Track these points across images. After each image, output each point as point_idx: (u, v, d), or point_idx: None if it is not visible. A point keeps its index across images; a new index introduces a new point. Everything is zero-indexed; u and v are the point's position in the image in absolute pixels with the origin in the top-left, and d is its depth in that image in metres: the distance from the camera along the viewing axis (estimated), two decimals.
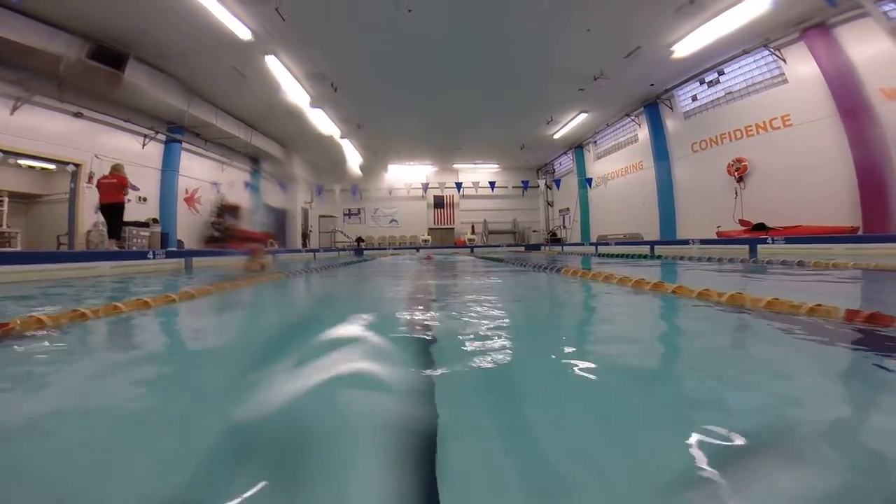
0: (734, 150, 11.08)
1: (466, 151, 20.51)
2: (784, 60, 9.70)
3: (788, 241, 8.89)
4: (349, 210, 24.04)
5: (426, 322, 2.18)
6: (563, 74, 11.75)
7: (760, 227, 10.08)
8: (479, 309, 2.57)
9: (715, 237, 11.05)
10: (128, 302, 2.93)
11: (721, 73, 11.34)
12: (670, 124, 13.38)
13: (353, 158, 19.73)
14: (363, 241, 22.36)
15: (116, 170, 8.94)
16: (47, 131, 9.34)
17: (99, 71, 8.75)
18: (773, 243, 9.11)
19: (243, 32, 8.71)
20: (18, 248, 8.13)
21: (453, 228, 24.29)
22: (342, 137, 16.70)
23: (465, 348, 1.62)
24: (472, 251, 19.23)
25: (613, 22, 9.10)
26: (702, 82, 11.97)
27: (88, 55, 8.48)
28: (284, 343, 1.96)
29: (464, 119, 15.51)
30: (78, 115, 9.79)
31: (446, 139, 18.17)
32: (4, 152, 8.47)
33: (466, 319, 2.22)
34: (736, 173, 10.88)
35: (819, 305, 2.11)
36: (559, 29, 9.37)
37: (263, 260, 7.12)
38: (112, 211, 8.74)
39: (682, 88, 12.64)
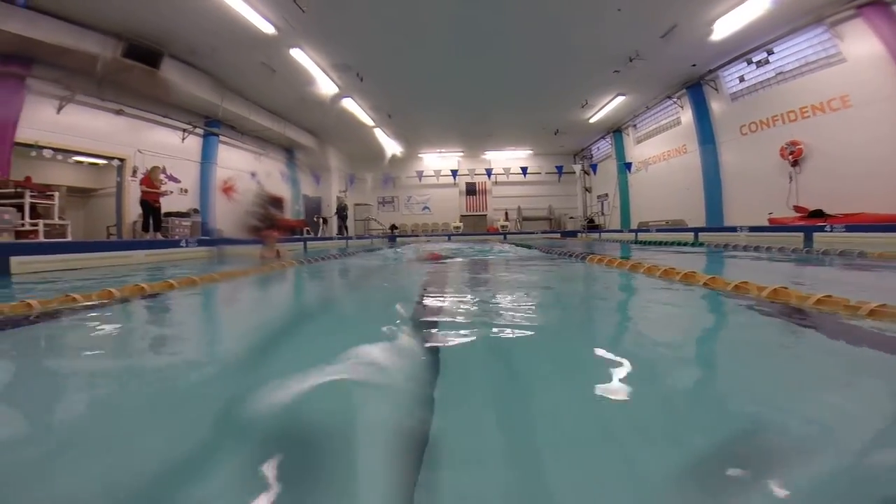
0: (788, 133, 10.25)
1: (497, 138, 20.08)
2: (840, 38, 8.89)
3: (849, 228, 8.19)
4: (383, 198, 24.23)
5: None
6: (595, 56, 11.20)
7: (818, 213, 9.33)
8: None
9: (766, 224, 10.36)
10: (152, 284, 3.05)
11: (770, 52, 10.50)
12: (716, 106, 12.58)
13: (390, 147, 19.77)
14: (396, 228, 22.54)
15: (148, 171, 9.85)
16: (92, 129, 9.84)
17: (136, 69, 9.07)
18: (831, 231, 8.43)
19: (266, 27, 8.81)
20: (69, 239, 8.55)
21: (486, 215, 23.94)
22: (374, 127, 16.71)
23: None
24: (504, 238, 18.96)
25: None
26: (749, 62, 11.13)
27: (123, 54, 8.78)
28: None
29: (493, 105, 15.14)
30: (119, 112, 10.26)
31: (476, 126, 17.83)
32: (55, 150, 8.94)
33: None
34: (790, 157, 10.10)
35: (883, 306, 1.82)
36: (588, 9, 8.88)
37: (278, 248, 7.61)
38: (144, 206, 9.68)
39: (727, 69, 11.84)
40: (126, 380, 1.48)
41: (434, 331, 1.88)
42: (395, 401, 1.15)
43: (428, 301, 2.77)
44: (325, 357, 1.45)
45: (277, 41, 9.47)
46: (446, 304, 2.61)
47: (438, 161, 23.09)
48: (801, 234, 8.84)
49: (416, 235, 21.81)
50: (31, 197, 8.01)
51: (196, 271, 5.13)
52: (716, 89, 12.33)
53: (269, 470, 0.82)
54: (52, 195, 8.52)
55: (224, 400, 1.19)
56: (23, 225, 7.71)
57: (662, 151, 15.49)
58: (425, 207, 24.23)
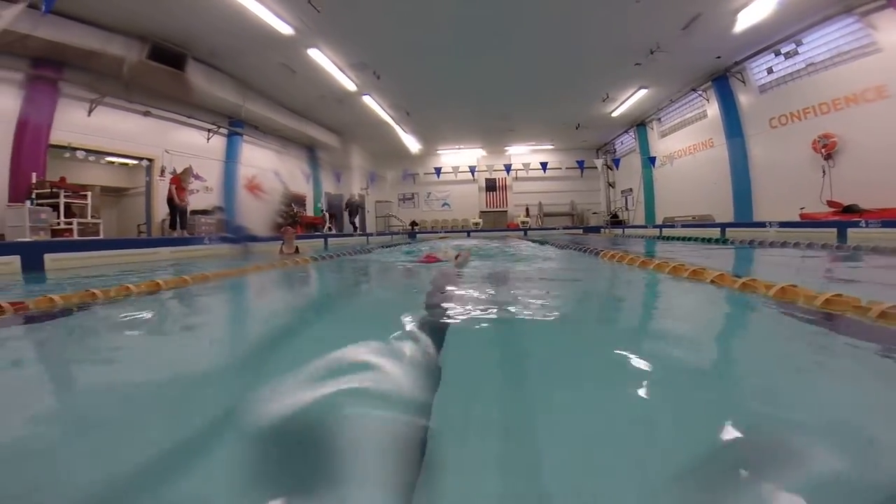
0: (820, 126, 9.81)
1: (518, 133, 19.87)
2: (874, 28, 8.48)
3: (885, 224, 7.82)
4: (403, 195, 24.39)
5: None
6: (615, 49, 10.97)
7: (852, 208, 8.95)
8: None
9: (797, 219, 9.98)
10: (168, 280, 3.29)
11: (799, 43, 10.10)
12: (743, 99, 12.16)
13: (409, 143, 19.85)
14: (416, 224, 22.64)
15: (178, 172, 10.44)
16: (121, 130, 10.25)
17: (161, 71, 9.36)
18: (866, 227, 8.06)
19: (284, 28, 8.96)
20: (101, 237, 8.89)
21: (506, 211, 23.77)
22: (396, 123, 16.79)
23: None
24: (525, 234, 18.81)
25: None
26: (777, 53, 10.72)
27: (148, 56, 9.08)
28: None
29: (513, 100, 15.00)
30: (146, 113, 10.64)
31: (496, 121, 17.68)
32: (87, 151, 9.29)
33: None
34: (823, 150, 9.68)
35: None
36: (606, 0, 8.71)
37: (297, 244, 7.87)
38: (170, 205, 10.19)
39: (753, 61, 11.44)
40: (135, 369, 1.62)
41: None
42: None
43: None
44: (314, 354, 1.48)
45: (295, 42, 9.63)
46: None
47: (457, 157, 22.99)
48: (835, 230, 8.48)
49: (436, 232, 21.87)
50: (66, 197, 8.39)
51: (212, 268, 5.29)
52: (743, 81, 11.94)
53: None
54: (86, 195, 8.89)
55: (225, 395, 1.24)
56: (58, 223, 8.06)
57: (688, 145, 15.10)
58: (445, 204, 24.25)
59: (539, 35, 10.14)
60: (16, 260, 5.84)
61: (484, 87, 13.45)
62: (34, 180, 8.10)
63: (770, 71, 11.11)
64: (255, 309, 3.45)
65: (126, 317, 2.69)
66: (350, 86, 12.49)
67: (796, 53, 10.27)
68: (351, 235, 17.05)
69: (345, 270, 5.76)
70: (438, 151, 23.09)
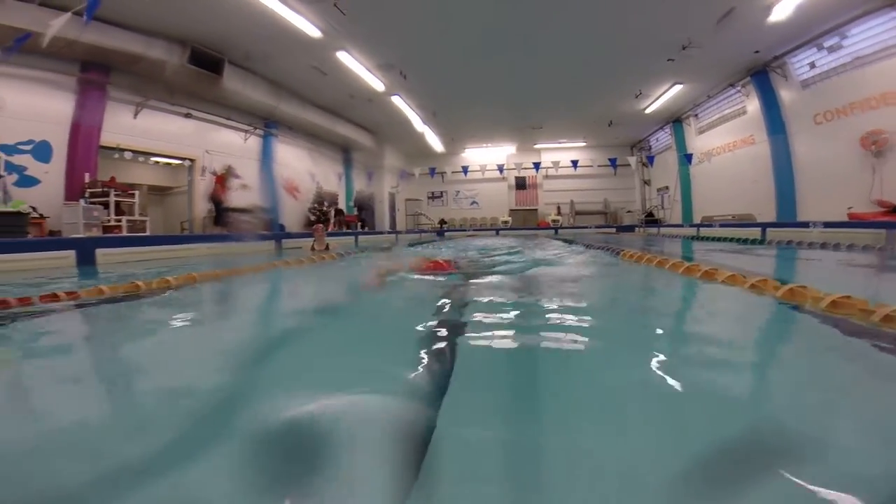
0: (868, 122, 9.23)
1: (548, 130, 19.59)
2: None
3: None
4: (432, 193, 24.54)
5: None
6: (646, 45, 10.70)
7: None
8: None
9: (842, 219, 9.50)
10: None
11: (843, 36, 9.58)
12: (785, 94, 11.59)
13: (434, 142, 19.99)
14: (445, 222, 22.77)
15: (221, 172, 11.09)
16: (165, 131, 10.82)
17: (201, 75, 9.86)
18: None
19: (313, 31, 9.24)
20: (147, 233, 9.42)
21: (536, 210, 23.52)
22: (424, 123, 16.96)
23: None
24: (556, 233, 18.62)
25: None
26: (820, 47, 10.21)
27: (189, 60, 9.55)
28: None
29: (542, 97, 14.83)
30: (188, 115, 11.17)
31: (525, 119, 17.52)
32: (134, 152, 9.83)
33: None
34: (873, 147, 9.17)
35: None
36: None
37: (327, 241, 8.11)
38: (213, 202, 10.84)
39: (794, 55, 10.90)
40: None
41: None
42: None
43: None
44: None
45: (324, 45, 9.90)
46: None
47: (485, 155, 22.83)
48: (883, 231, 8.04)
49: (464, 230, 21.92)
50: (116, 195, 8.93)
51: (244, 263, 5.55)
52: (784, 76, 11.40)
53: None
54: (133, 193, 9.44)
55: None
56: (108, 220, 8.59)
57: (727, 142, 14.54)
58: (473, 202, 24.24)
59: (567, 32, 10.03)
60: (72, 254, 6.30)
61: (511, 85, 13.37)
62: (87, 180, 8.68)
63: (813, 65, 10.59)
64: (265, 306, 3.68)
65: (166, 306, 2.96)
66: (378, 86, 12.72)
67: (840, 47, 9.76)
68: (381, 233, 17.32)
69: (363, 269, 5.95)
70: (466, 150, 23.07)
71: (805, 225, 9.82)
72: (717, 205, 14.88)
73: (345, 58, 10.74)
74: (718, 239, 10.58)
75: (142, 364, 1.77)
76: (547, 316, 2.33)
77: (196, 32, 9.38)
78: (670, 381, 1.33)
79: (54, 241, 6.93)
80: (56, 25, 6.10)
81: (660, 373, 1.41)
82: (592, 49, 10.99)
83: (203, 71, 9.82)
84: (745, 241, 9.44)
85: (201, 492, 0.83)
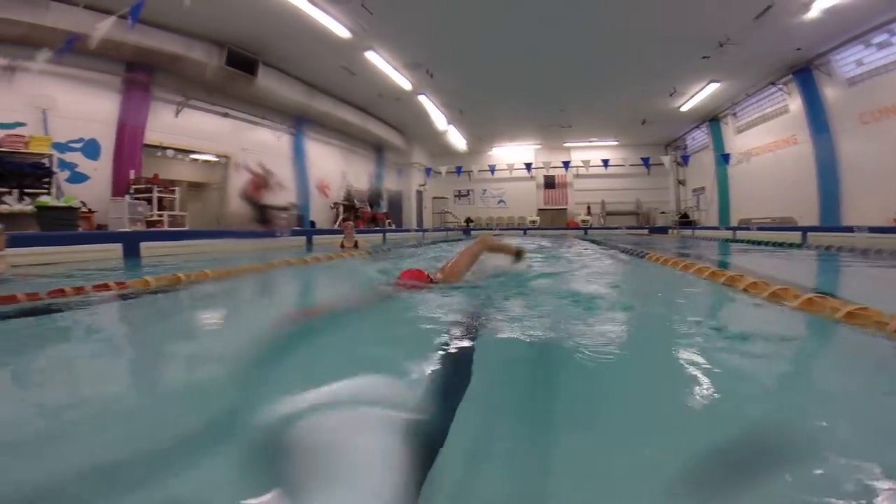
0: None
1: (578, 128, 19.26)
2: None
3: None
4: (459, 191, 24.50)
5: None
6: (680, 42, 10.46)
7: None
8: None
9: (890, 225, 9.05)
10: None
11: (893, 33, 9.12)
12: (829, 93, 11.09)
13: (458, 140, 20.05)
14: (472, 221, 22.70)
15: (258, 171, 11.27)
16: (204, 130, 11.30)
17: (237, 75, 10.26)
18: None
19: (342, 31, 9.46)
20: (187, 228, 9.83)
21: (565, 209, 23.16)
22: (448, 123, 17.07)
23: None
24: (585, 233, 18.35)
25: None
26: (868, 44, 9.73)
27: (226, 62, 9.94)
28: None
29: (570, 96, 14.72)
30: (225, 115, 11.60)
31: (554, 117, 17.28)
32: (176, 150, 10.28)
33: None
34: None
35: None
36: None
37: (356, 238, 8.08)
38: (249, 202, 11.07)
39: (839, 52, 10.45)
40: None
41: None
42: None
43: None
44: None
45: (353, 45, 10.15)
46: None
47: (512, 154, 22.52)
48: None
49: (490, 229, 21.80)
50: (158, 192, 9.36)
51: (276, 258, 5.76)
52: (828, 74, 10.90)
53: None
54: (174, 189, 9.86)
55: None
56: (151, 215, 9.02)
57: (767, 142, 14.00)
58: (500, 201, 24.07)
59: (597, 29, 9.97)
60: (118, 247, 6.67)
61: (540, 82, 13.29)
62: (132, 177, 9.14)
63: (860, 63, 10.12)
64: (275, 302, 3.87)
65: (203, 296, 3.33)
66: (406, 85, 12.93)
67: (890, 44, 9.28)
68: (408, 231, 17.50)
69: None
70: (493, 148, 22.93)
71: (849, 230, 9.39)
72: (757, 207, 14.37)
73: (373, 57, 10.96)
74: (757, 242, 10.21)
75: (190, 349, 2.08)
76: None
77: (231, 34, 9.75)
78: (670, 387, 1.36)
79: (103, 235, 7.36)
80: (103, 28, 6.50)
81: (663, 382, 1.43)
82: (624, 46, 10.80)
83: (238, 71, 10.20)
84: (781, 245, 9.10)
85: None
